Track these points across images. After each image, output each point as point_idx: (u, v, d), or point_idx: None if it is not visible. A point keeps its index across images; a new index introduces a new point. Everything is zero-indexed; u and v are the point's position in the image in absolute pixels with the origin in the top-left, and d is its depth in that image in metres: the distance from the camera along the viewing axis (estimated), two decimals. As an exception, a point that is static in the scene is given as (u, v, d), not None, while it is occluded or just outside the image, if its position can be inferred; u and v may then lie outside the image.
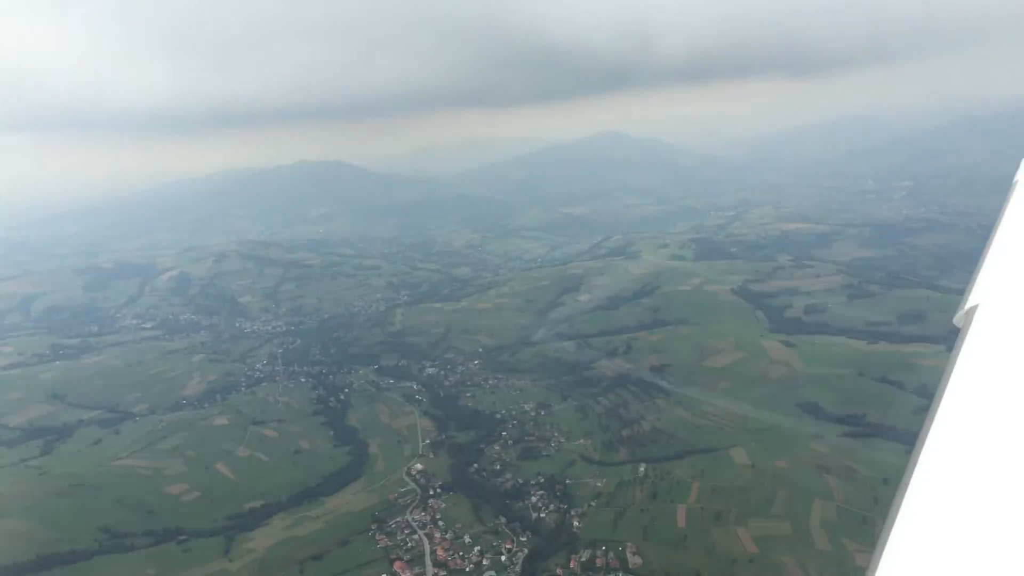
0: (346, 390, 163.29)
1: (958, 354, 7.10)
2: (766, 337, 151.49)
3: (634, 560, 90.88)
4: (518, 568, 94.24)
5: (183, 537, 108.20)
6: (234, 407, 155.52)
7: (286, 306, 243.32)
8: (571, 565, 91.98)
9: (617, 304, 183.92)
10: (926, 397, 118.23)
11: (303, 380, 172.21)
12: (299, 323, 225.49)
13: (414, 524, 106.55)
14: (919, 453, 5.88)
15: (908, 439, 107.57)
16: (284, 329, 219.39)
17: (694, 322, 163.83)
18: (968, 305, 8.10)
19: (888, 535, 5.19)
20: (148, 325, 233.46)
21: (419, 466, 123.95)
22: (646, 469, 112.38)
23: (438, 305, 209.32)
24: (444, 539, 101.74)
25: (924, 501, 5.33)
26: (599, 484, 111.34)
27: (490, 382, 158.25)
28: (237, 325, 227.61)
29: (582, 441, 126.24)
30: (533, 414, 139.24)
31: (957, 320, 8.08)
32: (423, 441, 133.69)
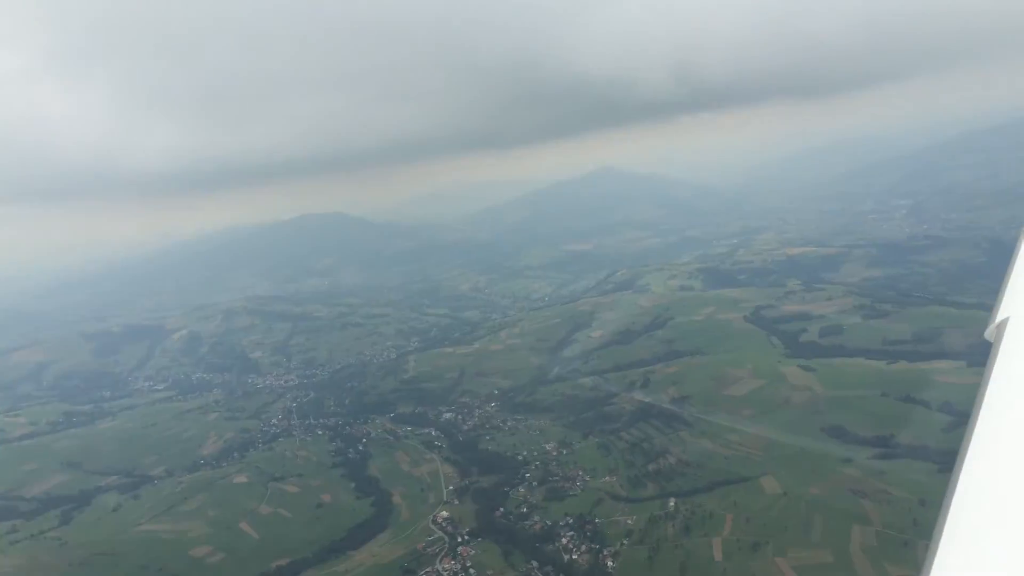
0: (364, 440, 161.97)
1: (992, 366, 7.08)
2: (784, 363, 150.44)
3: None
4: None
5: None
6: (253, 464, 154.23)
7: (297, 359, 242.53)
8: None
9: (630, 338, 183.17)
10: (952, 414, 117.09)
11: (320, 433, 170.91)
12: (311, 375, 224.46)
13: (445, 573, 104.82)
14: (960, 467, 5.87)
15: (940, 458, 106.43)
16: (297, 382, 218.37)
17: (709, 352, 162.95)
18: (999, 319, 8.15)
19: (936, 548, 5.14)
20: (160, 387, 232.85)
21: (445, 513, 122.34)
22: (676, 503, 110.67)
23: (450, 349, 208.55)
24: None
25: (970, 512, 5.25)
26: (629, 521, 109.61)
27: (508, 424, 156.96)
28: (249, 381, 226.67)
29: (608, 478, 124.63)
30: (555, 454, 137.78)
31: (988, 334, 8.14)
32: (447, 488, 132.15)
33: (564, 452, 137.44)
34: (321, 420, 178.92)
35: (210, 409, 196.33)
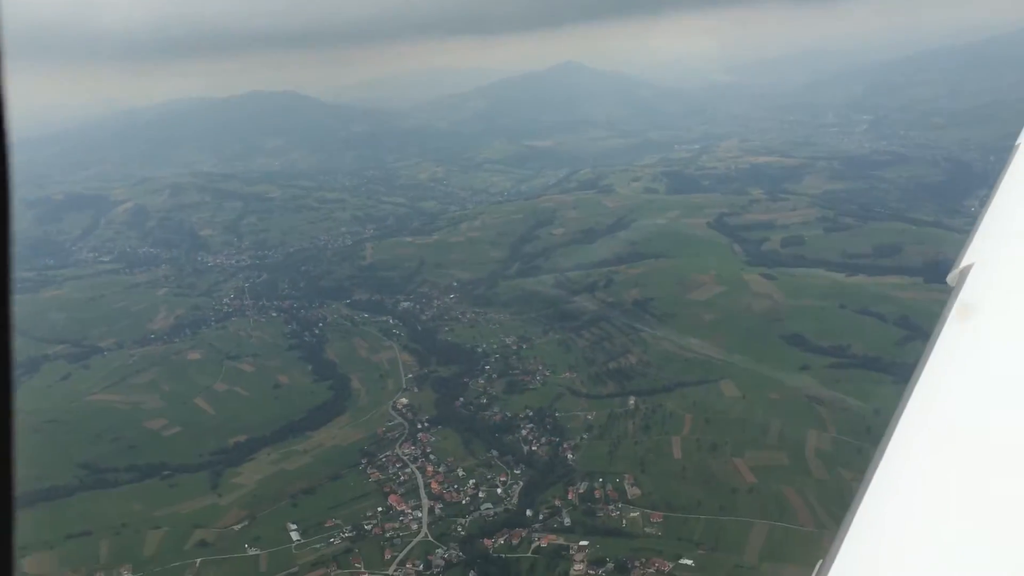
0: (320, 324, 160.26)
1: (950, 311, 7.15)
2: (746, 270, 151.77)
3: (633, 491, 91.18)
4: (515, 500, 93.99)
5: (167, 472, 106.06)
6: (206, 341, 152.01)
7: (249, 240, 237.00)
8: (569, 497, 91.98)
9: (593, 238, 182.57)
10: (908, 328, 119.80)
11: (274, 315, 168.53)
12: (264, 257, 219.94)
13: (405, 458, 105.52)
14: (904, 408, 5.90)
15: (894, 370, 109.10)
16: (249, 263, 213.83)
17: (672, 256, 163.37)
18: (963, 264, 8.14)
19: (866, 489, 5.19)
20: (106, 259, 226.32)
21: (404, 400, 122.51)
22: (636, 402, 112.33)
23: (409, 239, 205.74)
24: (437, 472, 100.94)
25: (904, 462, 5.32)
26: (589, 417, 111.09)
27: (468, 316, 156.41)
28: (199, 259, 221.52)
29: (568, 374, 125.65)
30: (515, 348, 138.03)
31: (951, 279, 8.13)
32: (405, 375, 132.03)
33: (524, 347, 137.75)
34: (275, 302, 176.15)
35: (159, 284, 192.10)
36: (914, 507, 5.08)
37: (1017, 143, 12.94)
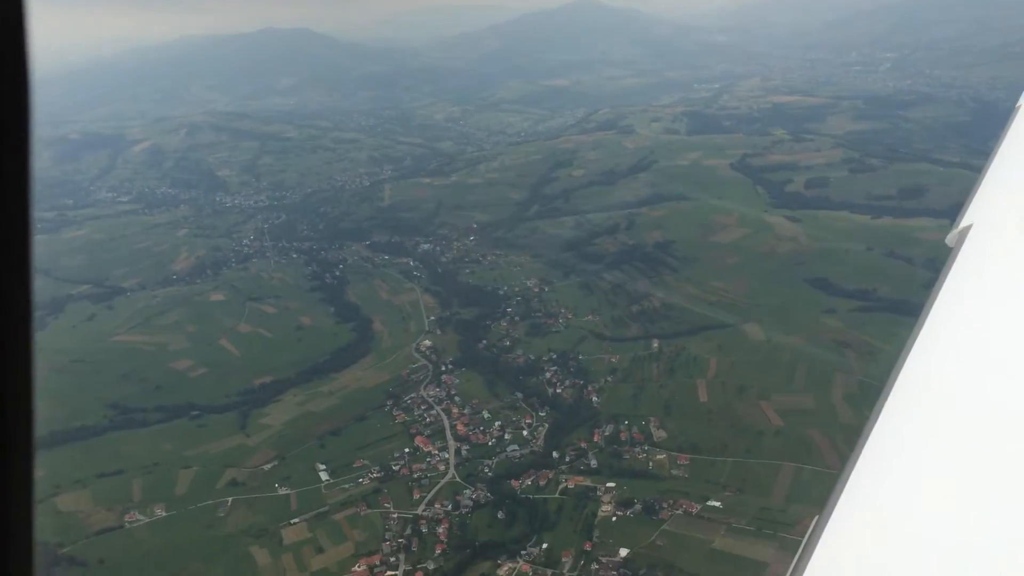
0: (340, 266, 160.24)
1: (948, 272, 7.20)
2: (770, 212, 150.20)
3: (658, 434, 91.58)
4: (540, 442, 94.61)
5: (195, 413, 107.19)
6: (228, 282, 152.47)
7: (266, 180, 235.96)
8: (595, 439, 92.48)
9: (613, 179, 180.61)
10: (935, 271, 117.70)
11: (294, 256, 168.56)
12: (282, 198, 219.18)
13: (430, 400, 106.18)
14: (900, 368, 5.93)
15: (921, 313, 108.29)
16: (267, 204, 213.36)
17: (694, 198, 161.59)
18: (962, 225, 8.10)
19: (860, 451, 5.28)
20: (124, 199, 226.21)
21: (427, 343, 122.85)
22: (660, 345, 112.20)
23: (427, 180, 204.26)
24: (462, 415, 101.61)
25: (900, 423, 5.34)
26: (613, 360, 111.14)
27: (488, 258, 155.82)
28: (217, 199, 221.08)
29: (590, 317, 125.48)
30: (536, 290, 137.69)
31: (950, 239, 8.09)
32: (428, 317, 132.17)
33: (546, 289, 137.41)
34: (294, 243, 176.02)
35: (179, 225, 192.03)
36: (907, 473, 5.08)
37: (1018, 104, 12.87)
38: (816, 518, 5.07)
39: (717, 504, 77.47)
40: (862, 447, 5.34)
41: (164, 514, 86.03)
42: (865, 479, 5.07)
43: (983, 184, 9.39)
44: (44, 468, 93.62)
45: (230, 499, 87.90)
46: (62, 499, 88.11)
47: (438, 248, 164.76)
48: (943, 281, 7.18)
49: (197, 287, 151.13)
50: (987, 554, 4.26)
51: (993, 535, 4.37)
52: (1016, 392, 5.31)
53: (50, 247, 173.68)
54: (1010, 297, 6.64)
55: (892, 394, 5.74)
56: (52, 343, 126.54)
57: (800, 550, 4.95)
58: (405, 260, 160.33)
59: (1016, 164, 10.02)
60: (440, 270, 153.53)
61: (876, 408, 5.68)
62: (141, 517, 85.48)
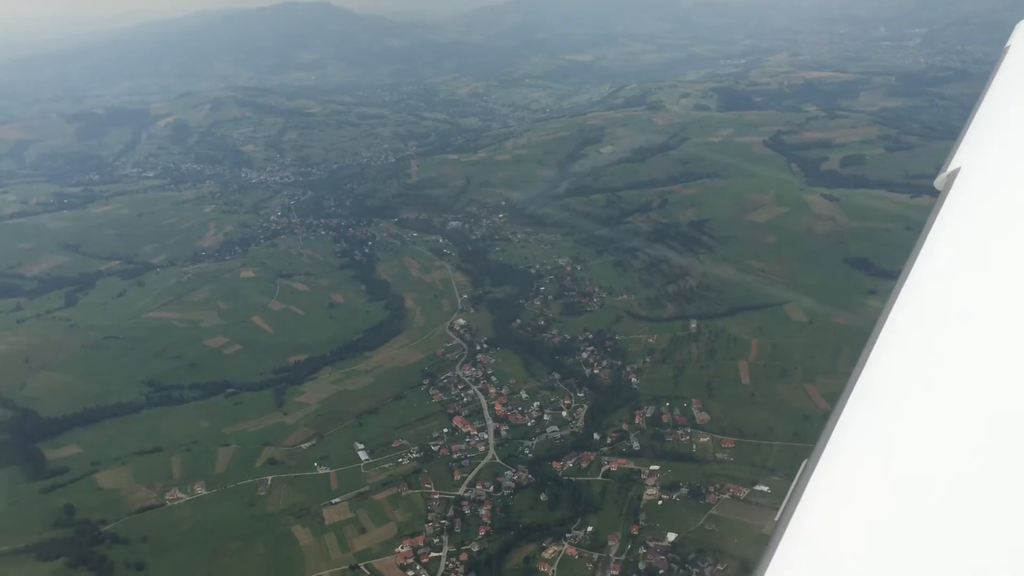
0: (369, 243, 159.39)
1: (936, 216, 7.17)
2: (806, 191, 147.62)
3: (701, 416, 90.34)
4: (580, 423, 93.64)
5: (231, 390, 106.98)
6: (257, 259, 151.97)
7: (291, 156, 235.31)
8: (636, 421, 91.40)
9: (644, 156, 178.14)
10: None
11: (323, 232, 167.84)
12: (307, 174, 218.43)
13: (466, 379, 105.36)
14: (892, 304, 6.12)
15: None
16: (292, 180, 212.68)
17: (727, 175, 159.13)
18: (950, 168, 8.07)
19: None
20: (150, 174, 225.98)
21: (461, 321, 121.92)
22: (698, 325, 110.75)
23: (454, 156, 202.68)
24: (500, 394, 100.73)
25: (890, 362, 5.45)
26: (651, 340, 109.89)
27: (518, 236, 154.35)
28: (243, 175, 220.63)
29: (625, 297, 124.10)
30: (569, 269, 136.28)
31: (938, 183, 8.06)
32: (460, 296, 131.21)
33: (578, 268, 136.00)
34: (322, 220, 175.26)
35: (206, 201, 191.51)
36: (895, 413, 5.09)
37: (1007, 45, 12.61)
38: (805, 462, 5.05)
39: (765, 489, 76.18)
40: (851, 389, 5.36)
41: (204, 492, 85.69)
42: (854, 422, 5.07)
43: (971, 127, 9.18)
44: (83, 444, 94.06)
45: (270, 478, 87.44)
46: (102, 476, 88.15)
47: (467, 225, 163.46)
48: (931, 224, 7.09)
49: (227, 264, 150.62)
50: (976, 491, 4.33)
51: (983, 470, 4.43)
52: (1005, 331, 5.40)
53: (78, 222, 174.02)
54: (998, 238, 6.63)
55: (882, 333, 5.78)
56: (85, 319, 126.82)
57: (788, 495, 4.93)
58: (434, 237, 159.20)
59: (1003, 107, 9.82)
60: (470, 248, 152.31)
61: (866, 347, 5.70)
62: (182, 495, 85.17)
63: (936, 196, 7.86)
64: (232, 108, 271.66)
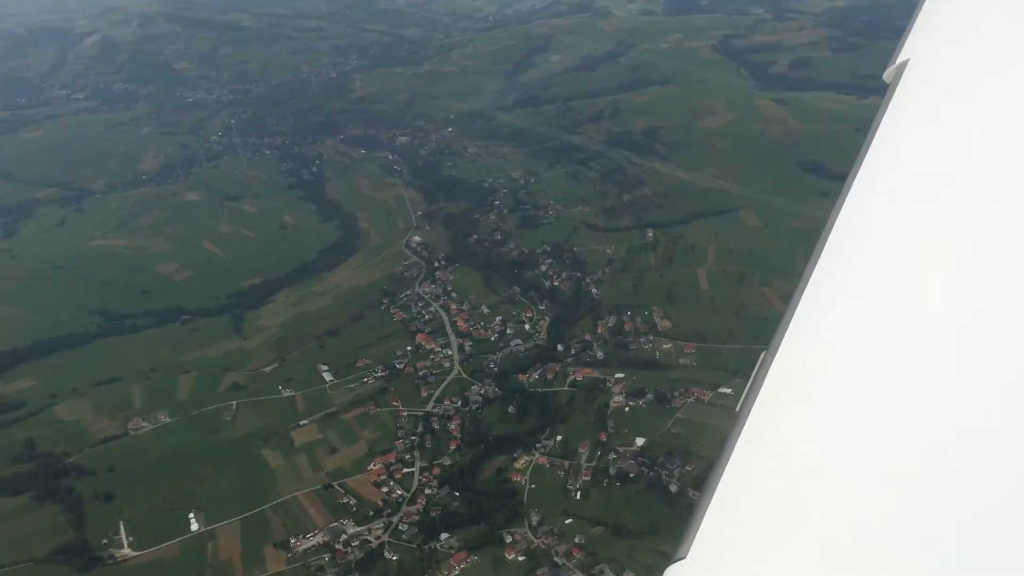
0: (317, 162, 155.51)
1: (885, 111, 7.07)
2: (756, 95, 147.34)
3: (663, 324, 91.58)
4: (544, 336, 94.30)
5: (186, 317, 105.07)
6: (201, 182, 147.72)
7: (228, 73, 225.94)
8: (599, 331, 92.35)
9: (593, 65, 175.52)
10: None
11: (267, 152, 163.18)
12: (246, 91, 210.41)
13: (426, 297, 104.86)
14: (841, 203, 6.15)
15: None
16: (231, 98, 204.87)
17: (678, 82, 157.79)
18: (899, 60, 7.92)
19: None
20: (79, 96, 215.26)
21: (417, 238, 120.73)
22: (655, 234, 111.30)
23: (399, 70, 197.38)
24: (461, 310, 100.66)
25: (841, 256, 5.53)
26: (609, 251, 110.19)
27: (469, 150, 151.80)
28: (178, 94, 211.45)
29: (581, 208, 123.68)
30: (522, 182, 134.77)
31: (887, 75, 7.95)
32: (414, 213, 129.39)
33: (532, 180, 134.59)
34: (265, 139, 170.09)
35: (142, 122, 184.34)
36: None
37: None
38: (763, 353, 5.14)
39: (728, 391, 77.96)
40: (804, 284, 5.42)
41: (168, 420, 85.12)
42: (809, 313, 5.15)
43: (920, 17, 8.88)
44: (37, 377, 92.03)
45: (234, 403, 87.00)
46: (61, 408, 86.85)
47: (416, 141, 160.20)
48: (880, 119, 6.97)
49: (170, 187, 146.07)
50: (933, 374, 4.36)
51: (939, 355, 4.47)
52: (955, 220, 5.45)
53: (9, 148, 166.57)
54: (949, 132, 6.57)
55: (835, 228, 5.82)
56: (27, 249, 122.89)
57: (748, 384, 5.01)
58: (383, 154, 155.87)
59: None
60: (421, 163, 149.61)
61: (818, 244, 5.75)
62: (145, 424, 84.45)
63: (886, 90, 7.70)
64: (161, 24, 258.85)
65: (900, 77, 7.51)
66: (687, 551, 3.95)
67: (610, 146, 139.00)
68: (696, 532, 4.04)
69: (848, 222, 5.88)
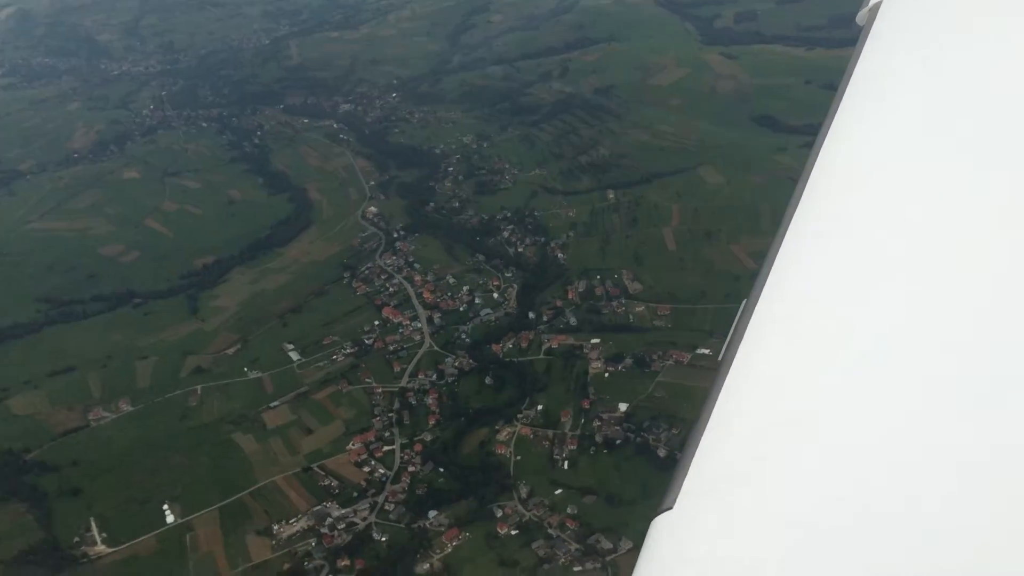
0: (258, 133, 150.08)
1: (859, 55, 6.99)
2: (704, 50, 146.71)
3: (634, 286, 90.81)
4: (513, 304, 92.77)
5: (138, 300, 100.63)
6: (138, 158, 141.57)
7: (153, 43, 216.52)
8: (569, 296, 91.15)
9: (536, 23, 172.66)
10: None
11: (204, 125, 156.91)
12: (175, 62, 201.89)
13: (388, 269, 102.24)
14: (818, 148, 6.14)
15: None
16: (159, 69, 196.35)
17: (625, 39, 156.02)
18: (872, 2, 7.74)
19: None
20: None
21: (373, 209, 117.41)
22: (616, 195, 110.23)
23: (335, 34, 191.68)
24: (426, 281, 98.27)
25: (817, 201, 5.66)
26: (571, 214, 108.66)
27: (416, 116, 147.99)
28: (103, 67, 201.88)
29: (537, 171, 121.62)
30: (475, 147, 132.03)
31: (860, 18, 7.81)
32: (367, 183, 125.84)
33: (484, 145, 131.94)
34: (200, 111, 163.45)
35: (68, 98, 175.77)
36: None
37: None
38: (744, 302, 5.19)
39: (707, 352, 77.72)
40: (783, 232, 5.53)
41: (130, 408, 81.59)
42: (788, 263, 5.21)
43: None
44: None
45: (199, 387, 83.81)
46: (15, 402, 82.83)
47: (360, 108, 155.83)
48: (855, 62, 6.88)
49: (105, 165, 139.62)
50: (909, 324, 4.38)
51: (913, 304, 4.50)
52: (930, 162, 5.38)
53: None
54: (924, 73, 6.49)
55: (811, 177, 5.86)
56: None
57: (730, 334, 5.04)
58: (327, 123, 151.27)
59: None
60: (367, 131, 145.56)
61: (797, 190, 5.84)
62: (106, 414, 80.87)
63: (856, 37, 7.51)
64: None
65: (873, 20, 7.30)
66: (673, 501, 3.90)
67: (562, 107, 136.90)
68: (682, 482, 3.98)
69: (825, 171, 5.84)
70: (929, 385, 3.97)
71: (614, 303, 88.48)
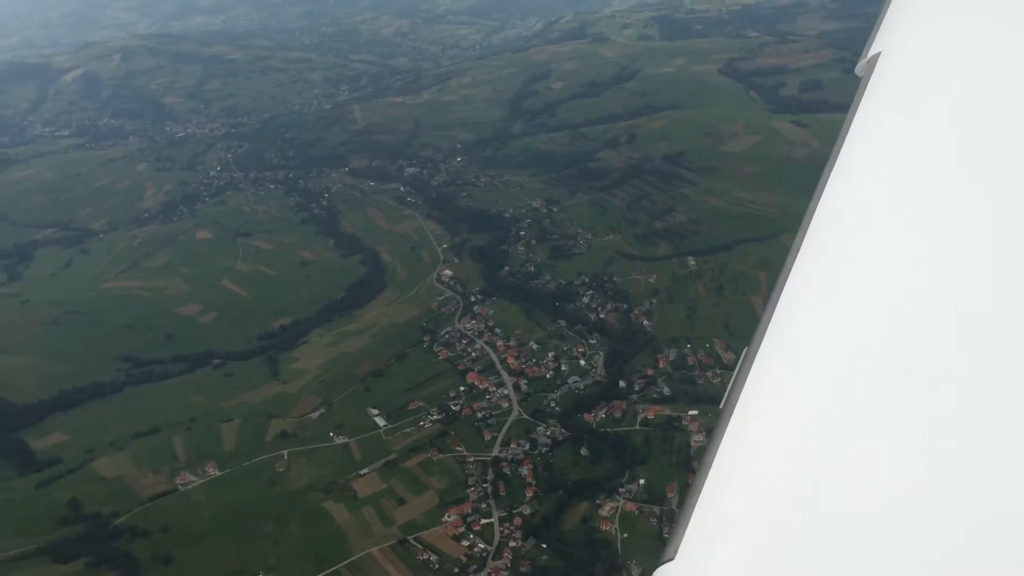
0: (326, 195, 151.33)
1: (858, 105, 7.05)
2: (773, 118, 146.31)
3: (727, 355, 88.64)
4: (601, 371, 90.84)
5: (218, 361, 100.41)
6: (209, 218, 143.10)
7: (217, 106, 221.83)
8: (660, 365, 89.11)
9: (598, 90, 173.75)
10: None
11: (272, 186, 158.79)
12: (239, 124, 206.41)
13: (469, 333, 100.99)
14: (819, 196, 6.21)
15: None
16: (224, 132, 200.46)
17: (690, 106, 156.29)
18: (871, 53, 7.91)
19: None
20: (65, 133, 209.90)
21: (448, 272, 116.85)
22: (697, 262, 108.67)
23: (398, 99, 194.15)
24: (509, 347, 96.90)
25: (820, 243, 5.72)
26: (651, 280, 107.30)
27: (483, 180, 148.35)
28: (168, 129, 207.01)
29: (612, 236, 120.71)
30: (545, 211, 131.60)
31: (859, 69, 7.92)
32: (440, 246, 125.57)
33: (555, 209, 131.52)
34: (267, 173, 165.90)
35: (136, 159, 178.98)
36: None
37: None
38: (745, 349, 5.29)
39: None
40: (784, 281, 5.59)
41: (218, 473, 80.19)
42: (789, 310, 5.30)
43: (891, 8, 8.81)
44: (69, 431, 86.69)
45: (285, 452, 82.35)
46: (100, 464, 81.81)
47: (425, 171, 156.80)
48: (854, 113, 7.01)
49: (177, 225, 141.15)
50: (922, 356, 4.39)
51: (926, 338, 4.51)
52: (932, 215, 5.40)
53: (1, 189, 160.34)
54: (922, 125, 6.53)
55: (811, 226, 5.94)
56: (35, 294, 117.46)
57: (732, 382, 4.99)
58: (394, 185, 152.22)
59: None
60: (435, 195, 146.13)
61: (797, 240, 5.95)
62: (193, 478, 79.46)
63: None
64: (145, 57, 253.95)
65: (872, 71, 7.44)
66: (675, 552, 3.87)
67: (632, 173, 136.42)
68: (684, 532, 3.96)
69: (825, 219, 5.93)
70: (934, 439, 3.89)
71: (708, 373, 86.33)
